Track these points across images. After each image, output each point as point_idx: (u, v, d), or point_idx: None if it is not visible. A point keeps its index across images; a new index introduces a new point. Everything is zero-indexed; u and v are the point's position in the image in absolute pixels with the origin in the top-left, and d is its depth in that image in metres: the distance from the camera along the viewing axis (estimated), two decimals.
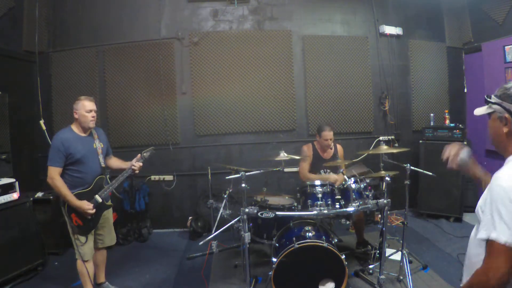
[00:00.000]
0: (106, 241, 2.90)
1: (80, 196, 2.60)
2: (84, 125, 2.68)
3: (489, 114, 1.27)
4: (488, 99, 1.26)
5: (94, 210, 2.62)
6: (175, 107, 4.51)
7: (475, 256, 1.16)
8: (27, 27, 4.19)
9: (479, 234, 1.11)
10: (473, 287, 1.12)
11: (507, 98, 1.19)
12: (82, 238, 2.65)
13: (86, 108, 2.64)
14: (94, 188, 2.68)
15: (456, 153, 1.48)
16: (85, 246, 2.66)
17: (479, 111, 1.32)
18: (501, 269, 1.02)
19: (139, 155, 2.79)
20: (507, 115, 1.19)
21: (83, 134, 2.71)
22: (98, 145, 2.76)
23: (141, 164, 2.77)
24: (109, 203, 2.81)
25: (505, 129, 1.20)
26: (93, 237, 2.75)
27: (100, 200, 2.67)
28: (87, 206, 2.57)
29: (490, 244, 1.06)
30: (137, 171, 2.76)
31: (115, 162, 2.95)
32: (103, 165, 2.75)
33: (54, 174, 2.56)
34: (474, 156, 1.49)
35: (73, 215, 2.60)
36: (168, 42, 4.49)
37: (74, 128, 2.70)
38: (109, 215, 2.89)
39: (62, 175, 2.60)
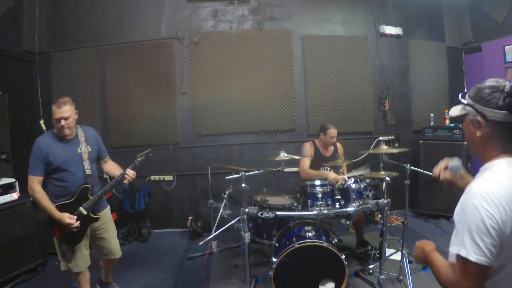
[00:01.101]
0: (107, 253, 2.66)
1: (62, 208, 2.35)
2: (58, 134, 2.40)
3: (464, 116, 1.17)
4: (462, 100, 1.17)
5: (77, 224, 2.35)
6: (175, 107, 4.51)
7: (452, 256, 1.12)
8: (27, 27, 4.19)
9: (451, 248, 1.07)
10: (443, 278, 1.11)
11: (480, 99, 1.09)
12: (68, 252, 2.45)
13: (53, 115, 2.33)
14: (78, 199, 2.42)
15: (446, 165, 1.40)
16: (72, 258, 2.46)
17: (454, 112, 1.22)
18: (469, 285, 1.01)
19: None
20: (479, 118, 1.09)
21: (66, 138, 2.43)
22: (85, 149, 2.47)
23: (133, 172, 2.49)
24: (97, 215, 2.52)
25: (478, 133, 1.11)
26: (82, 249, 2.49)
27: (84, 212, 2.41)
28: (68, 220, 2.31)
29: (459, 260, 1.02)
30: (129, 180, 2.49)
31: (111, 168, 2.69)
32: (88, 172, 2.45)
33: (33, 183, 2.33)
34: (473, 162, 1.45)
35: (56, 227, 2.39)
36: (168, 42, 4.49)
37: (55, 129, 2.41)
38: (106, 225, 2.62)
39: (45, 184, 2.39)
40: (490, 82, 1.10)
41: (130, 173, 2.47)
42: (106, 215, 2.67)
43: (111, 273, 2.93)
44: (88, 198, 2.44)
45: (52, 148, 2.37)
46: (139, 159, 2.55)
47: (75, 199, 2.41)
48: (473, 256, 0.98)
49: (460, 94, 1.21)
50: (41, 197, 2.33)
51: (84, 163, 2.46)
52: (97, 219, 2.51)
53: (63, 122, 2.33)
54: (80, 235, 2.45)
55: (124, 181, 2.49)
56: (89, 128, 2.65)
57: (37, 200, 2.34)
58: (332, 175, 3.30)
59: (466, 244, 1.00)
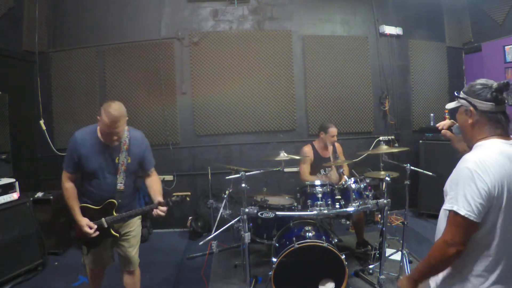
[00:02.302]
0: (125, 263, 2.43)
1: (86, 210, 2.21)
2: (104, 140, 2.17)
3: (458, 108, 1.41)
4: (457, 95, 1.41)
5: (94, 233, 2.17)
6: (175, 107, 4.51)
7: (442, 231, 1.29)
8: (27, 27, 4.19)
9: (444, 205, 1.26)
10: (434, 254, 1.27)
11: (472, 93, 1.33)
12: (84, 249, 2.35)
13: (105, 128, 2.06)
14: (102, 209, 2.22)
15: (450, 125, 1.65)
16: (89, 255, 2.35)
17: (450, 105, 1.47)
18: (457, 238, 1.20)
19: (164, 200, 2.29)
20: (471, 108, 1.33)
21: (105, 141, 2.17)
22: (124, 159, 2.19)
23: (164, 209, 2.24)
24: (116, 233, 2.28)
25: (469, 121, 1.34)
26: (101, 252, 2.37)
27: (105, 225, 2.19)
28: (86, 229, 2.14)
29: (451, 215, 1.22)
30: (158, 215, 2.23)
31: (150, 184, 2.40)
32: (120, 187, 2.19)
33: (64, 178, 2.20)
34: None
35: (76, 225, 2.23)
36: (168, 42, 4.49)
37: (99, 131, 2.16)
38: (130, 235, 2.39)
39: (78, 181, 2.24)
40: (481, 80, 1.35)
41: (161, 210, 2.21)
42: (130, 226, 2.40)
43: None
44: (112, 213, 2.22)
45: (88, 149, 2.14)
46: (173, 198, 2.29)
47: (100, 209, 2.22)
48: (463, 211, 1.18)
49: (456, 93, 1.44)
50: (67, 195, 2.19)
51: (118, 176, 2.20)
52: (115, 236, 2.27)
53: (115, 137, 2.11)
54: (95, 243, 2.27)
55: (156, 214, 2.22)
56: (138, 134, 2.33)
57: (64, 196, 2.21)
58: (333, 177, 3.31)
59: (459, 201, 1.20)
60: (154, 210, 2.21)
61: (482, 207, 1.17)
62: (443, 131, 1.67)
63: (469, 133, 1.37)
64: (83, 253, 2.37)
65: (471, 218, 1.17)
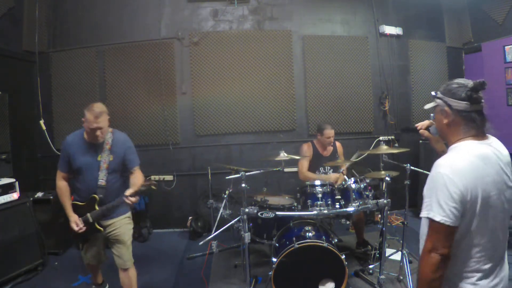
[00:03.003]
0: (117, 261, 2.55)
1: (75, 208, 2.41)
2: (90, 139, 2.39)
3: (435, 107, 1.39)
4: (434, 94, 1.39)
5: (81, 229, 2.35)
6: (175, 107, 4.51)
7: (424, 235, 1.29)
8: (27, 27, 4.19)
9: (421, 212, 1.27)
10: (421, 267, 1.25)
11: (447, 93, 1.31)
12: (80, 245, 2.56)
13: (89, 124, 2.30)
14: (87, 205, 2.41)
15: (428, 125, 1.62)
16: (83, 253, 2.58)
17: (428, 106, 1.46)
18: (438, 243, 1.19)
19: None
20: (446, 108, 1.31)
21: (92, 141, 2.38)
22: (106, 158, 2.37)
23: (134, 200, 2.31)
24: (106, 224, 2.45)
25: (445, 120, 1.32)
26: (93, 249, 2.55)
27: (90, 220, 2.38)
28: (73, 224, 2.35)
29: (430, 222, 1.22)
30: (131, 204, 2.33)
31: (132, 181, 2.47)
32: (101, 183, 2.36)
33: (57, 177, 2.44)
34: None
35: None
36: (168, 42, 4.49)
37: (85, 132, 2.39)
38: (118, 233, 2.50)
39: (70, 180, 2.47)
40: (458, 80, 1.33)
41: (131, 199, 2.30)
42: (117, 224, 2.51)
43: None
44: (95, 208, 2.39)
45: (76, 148, 2.38)
46: (142, 188, 2.35)
47: (85, 205, 2.42)
48: (438, 217, 1.18)
49: (433, 93, 1.41)
50: (59, 193, 2.43)
51: (100, 173, 2.36)
52: (100, 230, 2.43)
53: (98, 132, 2.31)
54: (84, 238, 2.47)
55: (128, 203, 2.33)
56: (121, 135, 2.52)
57: (58, 194, 2.44)
58: (332, 177, 3.30)
59: (433, 207, 1.21)
60: (125, 200, 2.29)
61: (456, 210, 1.17)
62: (421, 131, 1.64)
63: (445, 133, 1.36)
64: (80, 249, 2.58)
65: (447, 223, 1.17)
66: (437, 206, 1.20)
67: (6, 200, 3.13)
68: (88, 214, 2.39)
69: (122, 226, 2.53)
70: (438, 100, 1.35)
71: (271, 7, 4.64)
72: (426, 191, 1.28)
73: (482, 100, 1.28)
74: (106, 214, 2.43)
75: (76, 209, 2.42)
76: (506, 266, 1.32)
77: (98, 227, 2.42)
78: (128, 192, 2.30)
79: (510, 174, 1.29)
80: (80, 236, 2.44)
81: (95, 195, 2.38)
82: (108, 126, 2.42)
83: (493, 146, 1.29)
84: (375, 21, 4.83)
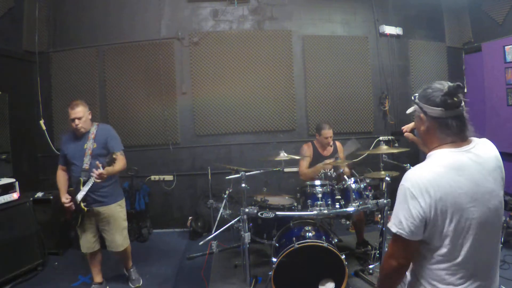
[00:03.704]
0: (109, 245, 2.89)
1: (69, 193, 2.75)
2: (74, 132, 2.77)
3: (414, 113, 1.33)
4: (413, 99, 1.32)
5: (70, 204, 2.68)
6: (175, 107, 4.51)
7: None
8: (27, 27, 4.19)
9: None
10: (383, 269, 1.29)
11: (422, 98, 1.25)
12: (79, 235, 2.85)
13: (69, 116, 2.72)
14: (76, 189, 2.73)
15: (412, 128, 1.55)
16: (80, 239, 2.85)
17: (408, 110, 1.41)
18: (396, 253, 1.21)
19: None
20: (422, 114, 1.25)
21: (78, 136, 2.78)
22: (90, 145, 2.73)
23: (97, 172, 2.52)
24: (83, 207, 2.69)
25: (421, 127, 1.28)
26: (88, 234, 2.83)
27: (77, 200, 2.68)
28: (64, 199, 2.70)
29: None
30: (97, 181, 2.57)
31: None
32: (85, 166, 2.69)
33: (58, 169, 2.86)
34: None
35: (66, 209, 2.75)
36: (168, 42, 4.49)
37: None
38: (109, 219, 2.82)
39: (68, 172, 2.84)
40: (435, 83, 1.24)
41: (95, 173, 2.54)
42: (108, 211, 2.81)
43: (127, 262, 3.15)
44: (80, 189, 2.69)
45: (68, 143, 2.80)
46: (107, 160, 2.61)
47: (75, 188, 2.75)
48: (395, 228, 1.19)
49: (413, 95, 1.34)
50: (57, 179, 2.84)
51: (85, 158, 2.70)
52: (83, 210, 2.70)
53: (77, 122, 2.70)
54: (75, 220, 2.76)
55: (95, 178, 2.56)
56: (105, 126, 2.91)
57: (57, 182, 2.84)
58: (326, 162, 3.32)
59: (393, 218, 1.22)
60: (92, 174, 2.57)
61: (414, 226, 1.15)
62: (406, 134, 1.57)
63: (423, 140, 1.32)
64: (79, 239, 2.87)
65: (403, 236, 1.16)
66: (396, 218, 1.20)
67: (6, 200, 3.13)
68: (77, 195, 2.69)
69: (114, 213, 2.84)
70: (415, 105, 1.29)
71: (271, 7, 4.64)
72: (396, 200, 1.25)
73: (462, 104, 1.20)
74: (92, 196, 2.72)
75: (70, 194, 2.75)
76: (495, 285, 1.23)
77: (83, 206, 2.69)
78: (93, 170, 2.58)
79: (500, 180, 1.21)
80: (73, 218, 2.75)
81: (80, 178, 2.70)
82: (92, 120, 2.85)
83: (473, 152, 1.20)
84: (375, 21, 4.83)
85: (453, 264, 1.17)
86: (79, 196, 2.68)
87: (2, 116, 3.63)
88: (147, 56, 4.46)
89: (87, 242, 2.83)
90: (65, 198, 2.70)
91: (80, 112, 2.71)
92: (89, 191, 2.68)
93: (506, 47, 4.30)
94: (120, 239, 2.88)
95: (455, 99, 1.19)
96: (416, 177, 1.18)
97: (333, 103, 4.71)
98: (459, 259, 1.16)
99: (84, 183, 2.68)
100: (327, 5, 4.76)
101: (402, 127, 1.62)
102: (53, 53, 4.46)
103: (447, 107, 1.19)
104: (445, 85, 1.20)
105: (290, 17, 4.68)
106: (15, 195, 3.23)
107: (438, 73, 5.03)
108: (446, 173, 1.16)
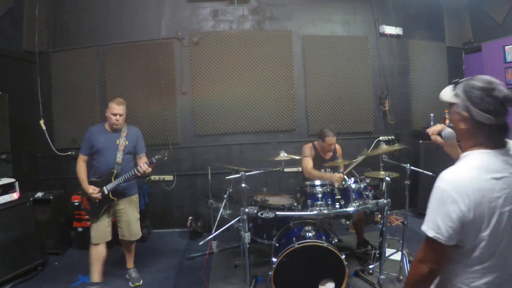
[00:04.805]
0: (125, 234, 3.07)
1: (92, 184, 2.89)
2: (110, 125, 2.96)
3: (452, 104, 1.24)
4: (454, 89, 1.24)
5: (98, 195, 2.84)
6: (175, 107, 4.51)
7: None
8: (27, 27, 4.19)
9: (422, 226, 1.20)
10: (410, 273, 1.26)
11: (470, 97, 1.15)
12: (93, 224, 2.95)
13: (111, 110, 2.91)
14: (104, 180, 2.90)
15: (440, 130, 1.50)
16: (93, 229, 2.93)
17: (446, 95, 1.28)
18: (428, 257, 1.16)
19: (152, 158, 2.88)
20: (466, 114, 1.17)
21: (110, 131, 2.98)
22: (123, 142, 2.97)
23: (145, 168, 2.82)
24: (115, 198, 2.92)
25: (462, 125, 1.20)
26: (103, 224, 2.94)
27: (106, 191, 2.87)
28: (91, 190, 2.84)
29: (424, 234, 1.17)
30: (139, 174, 2.85)
31: (139, 163, 3.04)
32: (118, 160, 2.92)
33: (78, 159, 2.97)
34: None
35: (85, 198, 2.95)
36: (168, 42, 4.49)
37: (106, 124, 3.00)
38: (127, 210, 3.03)
39: (89, 163, 2.98)
40: (483, 83, 1.14)
41: (143, 168, 2.81)
42: (129, 201, 3.06)
43: (130, 259, 3.25)
44: (111, 181, 2.88)
45: (98, 135, 2.95)
46: (156, 157, 2.85)
47: (102, 180, 2.90)
48: (432, 232, 1.14)
49: (454, 82, 1.26)
50: (79, 170, 2.93)
51: (118, 153, 2.93)
52: (113, 200, 2.91)
53: (117, 117, 2.90)
54: (98, 209, 2.91)
55: (138, 174, 2.85)
56: (134, 128, 3.16)
57: (77, 173, 2.92)
58: (335, 177, 3.30)
59: (429, 221, 1.16)
60: (139, 168, 2.82)
61: (453, 230, 1.10)
62: (432, 137, 1.51)
63: (460, 135, 1.25)
64: (91, 228, 2.96)
65: (440, 241, 1.12)
66: (433, 222, 1.14)
67: (6, 200, 3.13)
68: (104, 187, 2.87)
69: (132, 204, 3.09)
70: (458, 100, 1.19)
71: (271, 7, 4.64)
72: (429, 201, 1.19)
73: (508, 109, 1.13)
74: (118, 188, 2.92)
75: (93, 185, 2.89)
76: None
77: (112, 197, 2.89)
78: (142, 164, 2.83)
79: None
80: (95, 208, 2.90)
81: (113, 170, 2.90)
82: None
83: (510, 154, 1.17)
84: (375, 21, 4.83)
85: (482, 268, 1.14)
86: (109, 186, 2.87)
87: (2, 116, 3.63)
88: (147, 56, 4.46)
89: (102, 231, 2.93)
90: (92, 189, 2.84)
91: (122, 110, 2.93)
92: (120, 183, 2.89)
93: (506, 47, 4.30)
94: (135, 228, 3.11)
95: (507, 107, 1.13)
96: (455, 179, 1.13)
97: (333, 103, 4.71)
98: (490, 262, 1.13)
99: (116, 176, 2.88)
100: (327, 5, 4.76)
101: (427, 130, 1.56)
102: (53, 53, 4.46)
103: (498, 115, 1.12)
104: (494, 85, 1.12)
105: (290, 17, 4.68)
106: (15, 195, 3.23)
107: (438, 73, 5.04)
108: (484, 176, 1.11)
